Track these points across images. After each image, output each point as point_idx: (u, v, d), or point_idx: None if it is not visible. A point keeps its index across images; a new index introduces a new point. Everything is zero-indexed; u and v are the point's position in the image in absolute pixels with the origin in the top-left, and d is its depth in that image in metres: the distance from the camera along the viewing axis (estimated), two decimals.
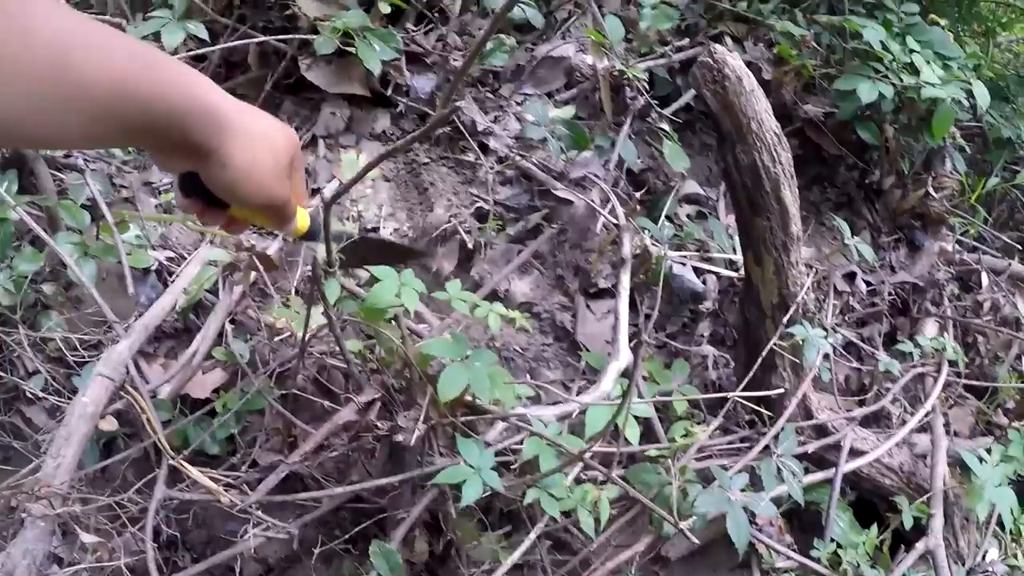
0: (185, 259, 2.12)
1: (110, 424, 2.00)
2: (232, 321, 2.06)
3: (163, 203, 2.26)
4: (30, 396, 2.13)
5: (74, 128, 0.73)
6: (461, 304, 1.58)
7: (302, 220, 1.01)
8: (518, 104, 2.26)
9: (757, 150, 1.91)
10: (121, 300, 2.19)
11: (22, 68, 0.67)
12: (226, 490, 1.74)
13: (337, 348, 1.82)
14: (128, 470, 2.06)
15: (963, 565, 2.37)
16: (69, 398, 2.09)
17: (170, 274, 2.12)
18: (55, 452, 1.83)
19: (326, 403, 1.79)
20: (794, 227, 1.98)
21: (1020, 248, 3.32)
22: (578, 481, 1.70)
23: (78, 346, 2.13)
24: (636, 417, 1.74)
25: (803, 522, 2.32)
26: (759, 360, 2.00)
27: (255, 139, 0.82)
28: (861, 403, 2.51)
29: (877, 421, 2.58)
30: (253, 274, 1.87)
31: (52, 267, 2.24)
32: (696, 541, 1.56)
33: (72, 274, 2.09)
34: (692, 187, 2.45)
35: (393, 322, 1.56)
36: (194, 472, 1.74)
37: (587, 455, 1.53)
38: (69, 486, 1.77)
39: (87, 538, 1.76)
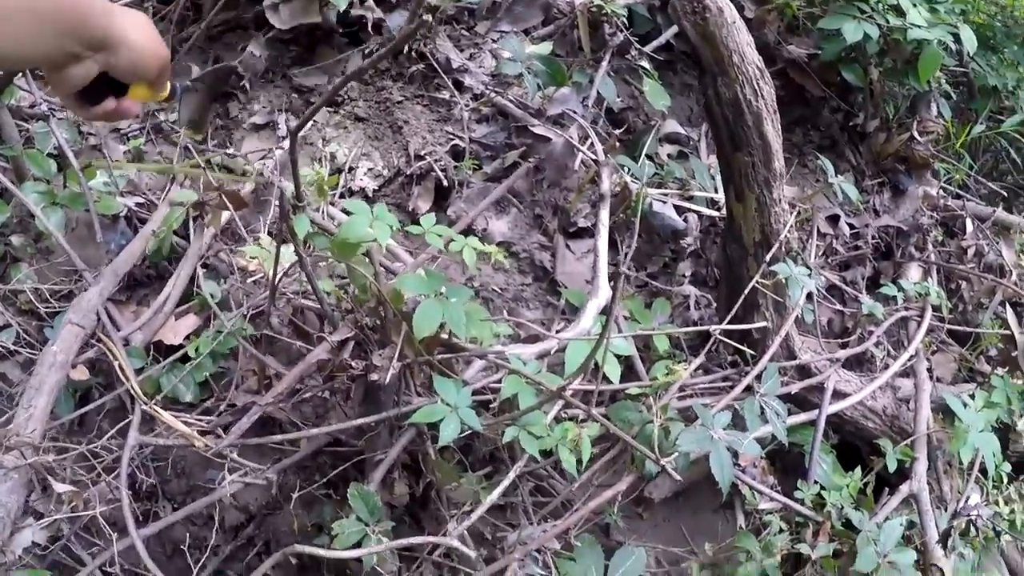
0: (155, 205, 2.06)
1: (82, 374, 1.96)
2: (204, 265, 2.02)
3: (131, 149, 2.20)
4: (2, 351, 2.09)
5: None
6: (435, 239, 1.54)
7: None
8: (494, 42, 2.21)
9: (739, 83, 1.87)
10: (91, 249, 2.14)
11: None
12: (201, 435, 1.71)
13: (310, 288, 1.79)
14: (104, 420, 2.03)
15: (945, 510, 2.37)
16: (41, 351, 2.05)
17: (140, 220, 2.07)
18: (26, 402, 1.78)
19: (301, 345, 1.75)
20: (776, 163, 1.95)
21: (1004, 196, 3.31)
22: (558, 420, 1.67)
23: (49, 297, 2.08)
24: (617, 356, 1.72)
25: (784, 464, 2.32)
26: (741, 298, 1.98)
27: (135, 19, 0.97)
28: (844, 346, 2.49)
29: (860, 365, 2.57)
30: (224, 215, 1.82)
31: (20, 218, 2.18)
32: (679, 478, 1.55)
33: (40, 224, 2.04)
34: (673, 126, 2.41)
35: (366, 258, 1.52)
36: (167, 417, 1.71)
37: (567, 393, 1.51)
38: (43, 437, 1.74)
39: (60, 487, 1.72)
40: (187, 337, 1.97)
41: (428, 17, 1.08)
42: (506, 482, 1.56)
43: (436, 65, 2.10)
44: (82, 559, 1.87)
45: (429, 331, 1.44)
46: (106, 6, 0.92)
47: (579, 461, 1.62)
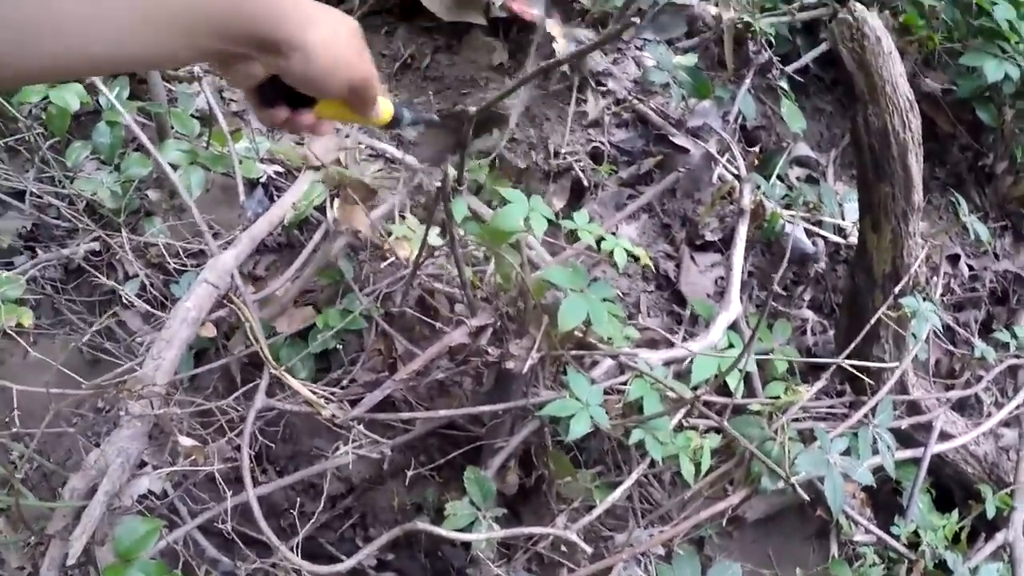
0: (293, 175, 2.11)
1: (209, 331, 2.01)
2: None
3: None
4: (126, 301, 2.15)
5: (149, 42, 0.73)
6: (587, 235, 1.55)
7: (385, 108, 1.01)
8: (637, 48, 2.22)
9: (889, 114, 1.86)
10: (224, 211, 2.21)
11: None
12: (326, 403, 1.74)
13: (442, 273, 1.82)
14: (219, 381, 2.09)
15: None
16: (165, 305, 2.11)
17: (277, 189, 2.13)
18: (155, 354, 1.83)
19: (432, 326, 1.78)
20: (916, 196, 1.93)
21: None
22: (679, 429, 1.68)
23: (180, 253, 2.14)
24: (740, 372, 1.71)
25: (877, 501, 2.29)
26: (864, 329, 1.96)
27: (329, 25, 0.83)
28: (950, 387, 2.45)
29: (962, 409, 2.52)
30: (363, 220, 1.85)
31: (158, 174, 2.26)
32: (806, 497, 1.54)
33: (182, 182, 2.10)
34: (804, 149, 2.39)
35: (514, 248, 1.54)
36: (296, 384, 1.75)
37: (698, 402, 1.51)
38: (166, 390, 1.79)
39: (185, 441, 1.75)
40: (298, 332, 2.00)
41: (635, 19, 1.08)
42: (627, 483, 1.57)
43: (580, 67, 2.12)
44: (180, 512, 1.93)
45: (574, 324, 1.45)
46: (299, 7, 0.81)
47: (697, 470, 1.62)
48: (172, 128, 2.22)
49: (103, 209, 2.19)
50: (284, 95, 0.88)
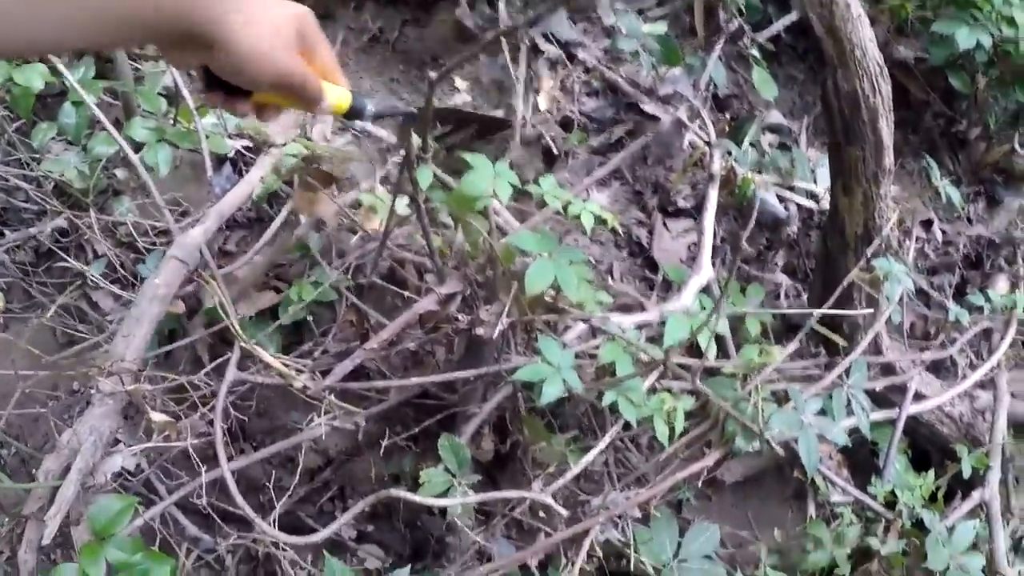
0: (260, 149, 2.09)
1: (177, 308, 2.00)
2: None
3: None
4: (95, 281, 2.13)
5: (87, 31, 0.74)
6: (554, 200, 1.55)
7: (339, 98, 0.97)
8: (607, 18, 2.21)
9: (858, 77, 1.87)
10: (193, 188, 2.19)
11: None
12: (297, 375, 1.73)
13: (411, 242, 1.81)
14: (191, 358, 2.07)
15: (1007, 524, 2.34)
16: (135, 284, 2.10)
17: (246, 164, 2.11)
18: (125, 331, 1.82)
19: (404, 296, 1.77)
20: (887, 160, 1.94)
21: None
22: (652, 391, 1.68)
23: (149, 232, 2.13)
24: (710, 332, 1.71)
25: (854, 462, 2.31)
26: (837, 291, 1.96)
27: (252, 17, 0.81)
28: (924, 350, 2.46)
29: (937, 371, 2.54)
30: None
31: (126, 153, 2.23)
32: (782, 452, 1.54)
33: (146, 160, 2.07)
34: (776, 117, 2.40)
35: (481, 214, 1.53)
36: (266, 356, 1.73)
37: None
38: (137, 367, 1.77)
39: (157, 416, 1.74)
40: (262, 312, 2.00)
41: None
42: (601, 445, 1.57)
43: (550, 36, 2.11)
44: (157, 490, 1.92)
45: (541, 288, 1.45)
46: (219, 4, 0.79)
47: (671, 433, 1.62)
48: (139, 106, 2.20)
49: (71, 189, 2.16)
50: (221, 81, 0.87)
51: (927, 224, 2.63)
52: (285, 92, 0.90)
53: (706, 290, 1.89)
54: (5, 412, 1.70)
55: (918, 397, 2.21)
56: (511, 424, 1.72)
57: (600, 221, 1.59)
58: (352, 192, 1.93)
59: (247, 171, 2.09)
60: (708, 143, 2.01)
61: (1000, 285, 2.72)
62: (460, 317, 1.57)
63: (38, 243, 2.20)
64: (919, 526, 2.06)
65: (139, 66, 2.33)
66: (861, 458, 2.29)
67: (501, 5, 2.09)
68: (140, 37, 0.79)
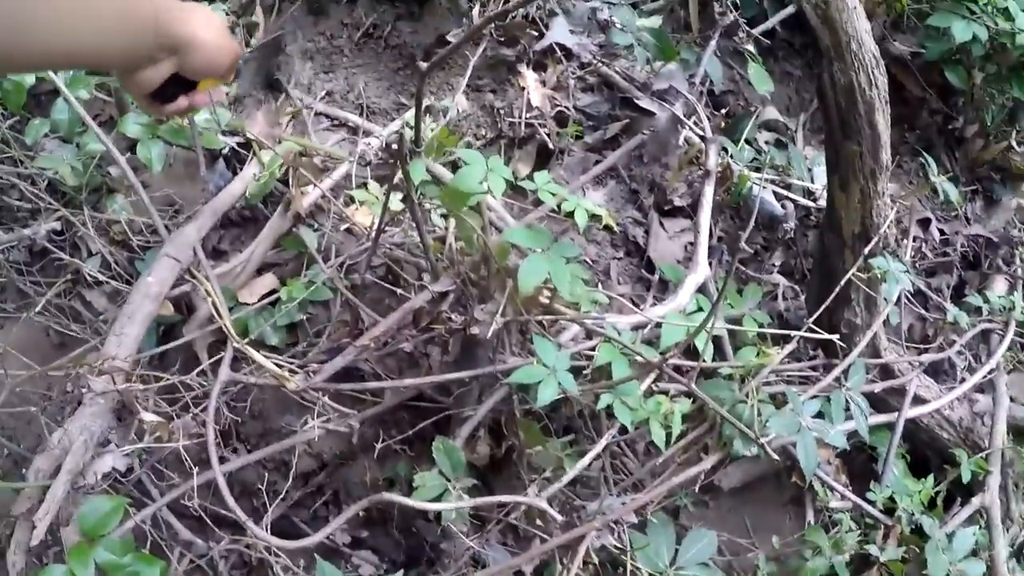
0: (255, 146, 2.06)
1: (167, 310, 1.98)
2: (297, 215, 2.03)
3: (231, 93, 2.22)
4: (90, 280, 2.12)
5: (125, 40, 0.90)
6: (548, 196, 1.53)
7: None
8: (601, 12, 2.19)
9: (854, 70, 1.84)
10: (187, 186, 2.16)
11: None
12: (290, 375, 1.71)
13: (407, 241, 1.79)
14: (186, 358, 2.05)
15: (1006, 531, 2.33)
16: (130, 282, 2.07)
17: (239, 162, 2.08)
18: (118, 330, 1.80)
19: (393, 300, 1.75)
20: (884, 155, 1.91)
21: None
22: (649, 394, 1.66)
23: (143, 230, 2.10)
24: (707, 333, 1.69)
25: (852, 468, 2.29)
26: (835, 291, 1.94)
27: (205, 18, 0.98)
28: (922, 352, 2.44)
29: (936, 375, 2.52)
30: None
31: (120, 150, 2.21)
32: (776, 457, 1.52)
33: (139, 156, 2.04)
34: (772, 113, 2.38)
35: (475, 210, 1.51)
36: (258, 356, 1.72)
37: (666, 366, 1.50)
38: (130, 367, 1.75)
39: (148, 417, 1.72)
40: (262, 297, 1.98)
41: None
42: (597, 449, 1.55)
43: (544, 30, 2.09)
44: (151, 493, 1.90)
45: (535, 284, 1.43)
46: (180, 7, 0.95)
47: (668, 436, 1.61)
48: (132, 103, 2.17)
49: (65, 187, 2.14)
50: (179, 87, 1.03)
51: (925, 223, 2.62)
52: (231, 69, 1.06)
53: (703, 289, 1.87)
54: None
55: (917, 400, 2.19)
56: (506, 427, 1.70)
57: (595, 218, 1.57)
58: (331, 178, 1.92)
59: (240, 169, 2.06)
60: (704, 139, 1.99)
61: (998, 286, 2.70)
62: (454, 317, 1.55)
63: (32, 242, 2.17)
64: (918, 532, 2.04)
65: None
66: (859, 463, 2.27)
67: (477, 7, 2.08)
68: (139, 53, 0.93)
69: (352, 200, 1.77)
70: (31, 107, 2.28)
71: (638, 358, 1.58)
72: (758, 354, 1.77)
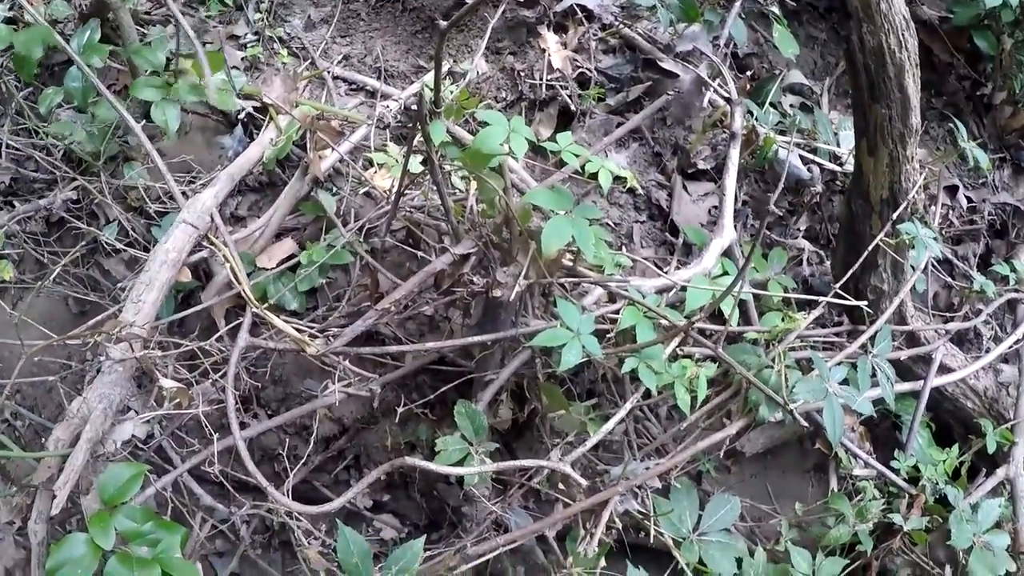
0: (272, 111, 2.04)
1: (184, 276, 1.96)
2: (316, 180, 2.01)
3: (248, 57, 2.20)
4: (108, 248, 2.11)
5: None
6: (572, 157, 1.50)
7: None
8: None
9: (884, 32, 1.80)
10: (203, 152, 2.15)
11: None
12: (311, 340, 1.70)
13: (426, 204, 1.77)
14: (204, 325, 2.04)
15: None
16: (148, 249, 2.06)
17: (256, 127, 2.06)
18: (135, 297, 1.78)
19: (417, 258, 1.72)
20: (913, 119, 1.87)
21: None
22: (673, 358, 1.64)
23: (161, 196, 2.09)
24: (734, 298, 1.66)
25: (875, 436, 2.26)
26: (862, 256, 1.91)
27: None
28: (948, 321, 2.41)
29: (960, 343, 2.49)
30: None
31: (134, 118, 2.19)
32: (804, 423, 1.50)
33: (154, 118, 2.01)
34: (797, 77, 2.33)
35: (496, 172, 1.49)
36: (278, 321, 1.70)
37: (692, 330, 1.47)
38: (148, 333, 1.73)
39: (167, 383, 1.70)
40: (280, 262, 1.97)
41: None
42: (621, 413, 1.53)
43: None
44: (171, 460, 1.90)
45: (558, 246, 1.40)
46: None
47: (693, 401, 1.58)
48: (146, 71, 2.15)
49: (81, 154, 2.13)
50: None
51: (952, 191, 2.57)
52: None
53: (728, 253, 1.84)
54: (9, 382, 1.66)
55: (943, 369, 2.16)
56: (528, 391, 1.68)
57: (618, 180, 1.54)
58: (348, 142, 1.90)
59: (257, 134, 2.04)
60: (729, 100, 1.95)
61: None
62: (476, 280, 1.52)
63: (49, 212, 2.17)
64: (942, 502, 2.02)
65: (145, 31, 2.28)
66: (882, 431, 2.25)
67: None
68: None
69: (371, 163, 1.74)
70: (44, 78, 2.27)
71: (663, 322, 1.55)
72: (783, 319, 1.73)
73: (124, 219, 2.08)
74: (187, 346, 1.75)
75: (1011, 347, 2.33)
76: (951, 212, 2.54)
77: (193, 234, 1.87)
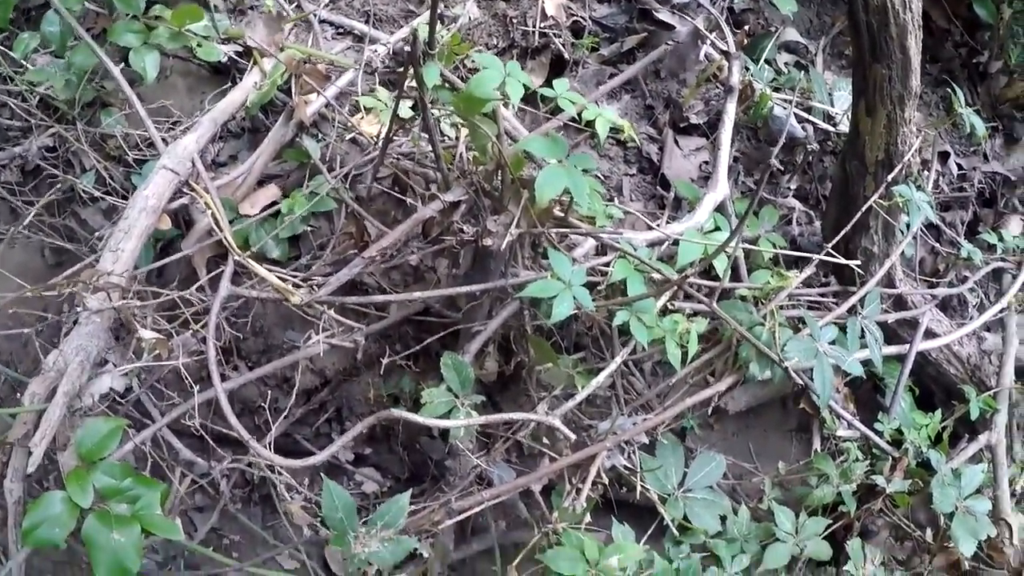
0: (256, 54, 1.98)
1: (164, 223, 1.91)
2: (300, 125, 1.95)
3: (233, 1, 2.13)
4: (85, 197, 2.05)
5: None
6: (568, 104, 1.46)
7: None
8: None
9: None
10: (184, 98, 2.09)
11: None
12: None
13: (415, 150, 1.72)
14: (185, 273, 1.99)
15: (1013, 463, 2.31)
16: (126, 198, 2.00)
17: (239, 71, 2.00)
18: (113, 245, 1.73)
19: (404, 205, 1.68)
20: (913, 81, 1.85)
21: None
22: (664, 312, 1.61)
23: (139, 143, 2.03)
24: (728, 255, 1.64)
25: (857, 397, 2.26)
26: (854, 217, 1.90)
27: None
28: (934, 286, 2.41)
29: (945, 310, 2.49)
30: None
31: (114, 63, 2.12)
32: (800, 380, 1.48)
33: (132, 65, 1.95)
34: (792, 35, 2.31)
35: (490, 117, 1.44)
36: (261, 269, 1.66)
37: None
38: (126, 283, 1.68)
39: (146, 334, 1.64)
40: (264, 208, 1.92)
41: None
42: (611, 367, 1.51)
43: None
44: (150, 414, 1.86)
45: (552, 196, 1.37)
46: None
47: (684, 356, 1.56)
48: (126, 15, 2.07)
49: (57, 102, 2.06)
50: None
51: (944, 157, 2.56)
52: None
53: (721, 208, 1.82)
54: None
55: (928, 334, 2.16)
56: (516, 344, 1.66)
57: (614, 130, 1.50)
58: (335, 86, 1.85)
59: (240, 77, 1.98)
60: (727, 54, 1.91)
61: (1013, 226, 2.66)
62: (466, 228, 1.49)
63: (24, 161, 2.10)
64: (924, 466, 2.02)
65: None
66: (863, 393, 2.25)
67: None
68: None
69: (357, 109, 1.70)
70: (20, 23, 2.19)
71: (655, 275, 1.53)
72: (774, 276, 1.72)
73: (102, 168, 2.02)
74: (167, 296, 1.70)
75: (995, 315, 2.34)
76: (941, 178, 2.53)
77: (173, 180, 1.81)
